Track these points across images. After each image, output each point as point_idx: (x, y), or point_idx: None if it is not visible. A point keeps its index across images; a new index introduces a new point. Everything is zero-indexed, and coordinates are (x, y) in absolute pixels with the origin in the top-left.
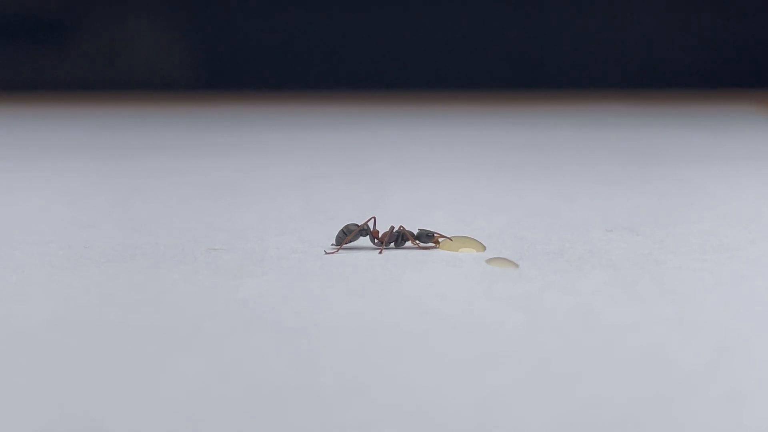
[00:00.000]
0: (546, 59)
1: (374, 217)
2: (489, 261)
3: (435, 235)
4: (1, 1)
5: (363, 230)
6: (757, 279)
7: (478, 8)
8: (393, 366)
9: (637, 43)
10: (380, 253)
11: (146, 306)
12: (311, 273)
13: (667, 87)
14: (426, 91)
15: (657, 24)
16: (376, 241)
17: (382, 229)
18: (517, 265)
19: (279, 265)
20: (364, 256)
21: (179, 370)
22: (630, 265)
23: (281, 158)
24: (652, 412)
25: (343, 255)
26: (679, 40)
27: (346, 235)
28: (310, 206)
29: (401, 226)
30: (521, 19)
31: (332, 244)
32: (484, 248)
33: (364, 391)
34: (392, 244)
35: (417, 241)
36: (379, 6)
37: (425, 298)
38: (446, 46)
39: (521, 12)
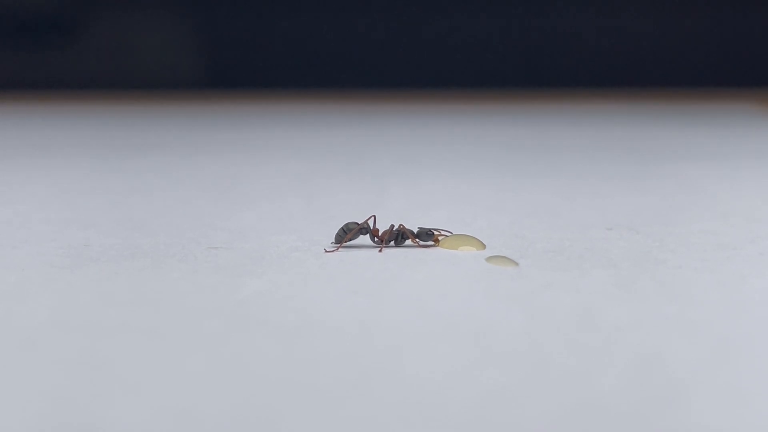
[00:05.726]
0: (546, 58)
1: (374, 216)
2: (489, 259)
3: (435, 233)
4: None
5: (363, 229)
6: (757, 278)
7: (477, 7)
8: (393, 364)
9: (637, 41)
10: (380, 251)
11: (146, 305)
12: (311, 271)
13: (666, 86)
14: (426, 90)
15: (657, 23)
16: (376, 239)
17: (382, 227)
18: (517, 264)
19: (279, 263)
20: (363, 255)
21: (179, 368)
22: (630, 263)
23: (281, 157)
24: (651, 410)
25: (343, 253)
26: (680, 39)
27: (346, 234)
28: (310, 205)
29: (401, 225)
30: (521, 18)
31: (332, 243)
32: (483, 247)
33: (364, 390)
34: (392, 243)
35: (417, 240)
36: (381, 6)
37: (425, 297)
38: (446, 45)
39: (521, 11)
